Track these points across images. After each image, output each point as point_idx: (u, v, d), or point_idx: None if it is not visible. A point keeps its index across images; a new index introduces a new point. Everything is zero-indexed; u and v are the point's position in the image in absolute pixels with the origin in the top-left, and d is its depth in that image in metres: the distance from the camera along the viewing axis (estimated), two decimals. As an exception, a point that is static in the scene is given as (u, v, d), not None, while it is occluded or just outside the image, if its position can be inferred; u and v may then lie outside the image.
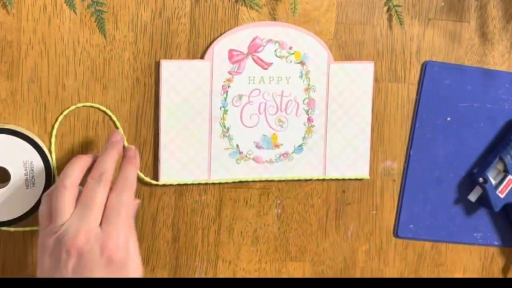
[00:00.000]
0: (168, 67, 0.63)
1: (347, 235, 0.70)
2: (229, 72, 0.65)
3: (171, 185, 0.65)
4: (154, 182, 0.64)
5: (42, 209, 0.54)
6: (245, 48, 0.64)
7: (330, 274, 0.71)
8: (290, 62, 0.65)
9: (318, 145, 0.67)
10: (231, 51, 0.64)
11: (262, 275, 0.69)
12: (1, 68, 0.61)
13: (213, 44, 0.64)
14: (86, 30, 0.62)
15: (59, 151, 0.63)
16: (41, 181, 0.61)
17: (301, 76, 0.66)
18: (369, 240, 0.71)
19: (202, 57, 0.64)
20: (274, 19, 0.65)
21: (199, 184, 0.66)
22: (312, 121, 0.67)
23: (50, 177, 0.61)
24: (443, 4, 0.69)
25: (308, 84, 0.66)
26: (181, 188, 0.66)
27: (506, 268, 0.74)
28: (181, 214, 0.67)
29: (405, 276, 0.72)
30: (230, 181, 0.66)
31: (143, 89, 0.64)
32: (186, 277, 0.67)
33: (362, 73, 0.67)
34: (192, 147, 0.65)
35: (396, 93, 0.69)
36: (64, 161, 0.63)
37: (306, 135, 0.67)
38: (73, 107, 0.62)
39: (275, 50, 0.65)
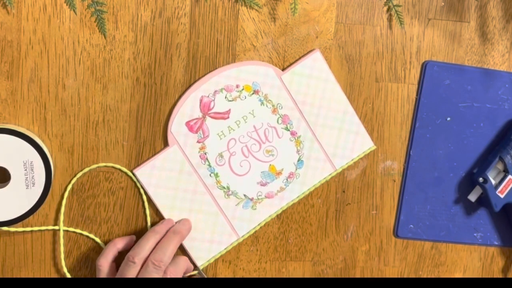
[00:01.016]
0: (143, 173, 0.64)
1: (347, 235, 0.70)
2: (198, 141, 0.65)
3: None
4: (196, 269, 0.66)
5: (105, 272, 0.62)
6: (198, 112, 0.64)
7: (330, 274, 0.71)
8: (245, 98, 0.65)
9: (314, 149, 0.67)
10: (188, 123, 0.64)
11: (262, 275, 0.69)
12: (1, 68, 0.61)
13: (168, 127, 0.64)
14: (86, 30, 0.62)
15: (59, 150, 0.63)
16: (41, 181, 0.61)
17: (262, 103, 0.66)
18: (369, 240, 0.71)
19: (166, 145, 0.64)
20: (274, 19, 0.65)
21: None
22: (296, 133, 0.67)
23: (50, 177, 0.61)
24: (443, 4, 0.69)
25: (273, 105, 0.66)
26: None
27: (506, 268, 0.74)
28: (181, 214, 0.67)
29: (405, 276, 0.72)
30: (257, 228, 0.67)
31: (143, 89, 0.64)
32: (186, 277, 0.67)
33: (314, 64, 0.66)
34: (207, 222, 0.66)
35: (396, 93, 0.69)
36: (64, 161, 0.63)
37: (298, 148, 0.67)
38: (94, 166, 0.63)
39: (225, 97, 0.65)
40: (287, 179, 0.67)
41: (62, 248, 0.64)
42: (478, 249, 0.74)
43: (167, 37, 0.63)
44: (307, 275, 0.70)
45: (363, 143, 0.69)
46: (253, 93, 0.65)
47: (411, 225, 0.71)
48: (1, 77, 0.61)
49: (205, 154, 0.65)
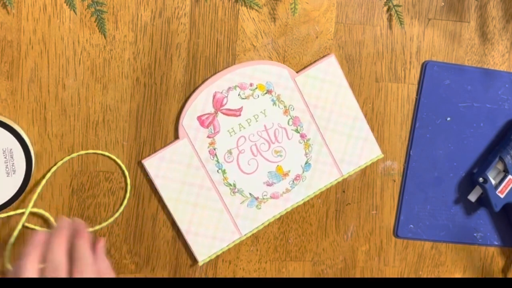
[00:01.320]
0: (151, 164, 0.64)
1: (347, 235, 0.70)
2: (208, 136, 0.65)
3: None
4: (197, 263, 0.67)
5: None
6: (210, 108, 0.64)
7: (330, 274, 0.71)
8: (258, 97, 0.65)
9: (322, 153, 0.67)
10: (199, 117, 0.64)
11: (262, 275, 0.69)
12: (1, 68, 0.61)
13: (180, 120, 0.64)
14: (86, 30, 0.62)
15: (59, 150, 0.63)
16: (21, 169, 0.60)
17: (275, 103, 0.66)
18: (369, 240, 0.71)
19: (176, 138, 0.64)
20: (274, 19, 0.65)
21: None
22: (306, 136, 0.67)
23: (31, 164, 0.60)
24: (443, 4, 0.69)
25: (285, 106, 0.66)
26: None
27: (506, 268, 0.74)
28: (181, 214, 0.67)
29: (405, 276, 0.72)
30: (260, 227, 0.67)
31: (143, 89, 0.64)
32: (186, 277, 0.67)
33: (328, 68, 0.67)
34: (211, 218, 0.66)
35: (396, 93, 0.69)
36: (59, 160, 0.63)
37: (307, 151, 0.67)
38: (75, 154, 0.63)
39: (239, 94, 0.65)
40: (293, 181, 0.67)
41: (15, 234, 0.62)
42: (478, 249, 0.74)
43: (167, 37, 0.64)
44: (307, 275, 0.70)
45: (371, 151, 0.69)
46: (266, 93, 0.65)
47: (411, 225, 0.71)
48: (1, 77, 0.61)
49: (214, 149, 0.65)
